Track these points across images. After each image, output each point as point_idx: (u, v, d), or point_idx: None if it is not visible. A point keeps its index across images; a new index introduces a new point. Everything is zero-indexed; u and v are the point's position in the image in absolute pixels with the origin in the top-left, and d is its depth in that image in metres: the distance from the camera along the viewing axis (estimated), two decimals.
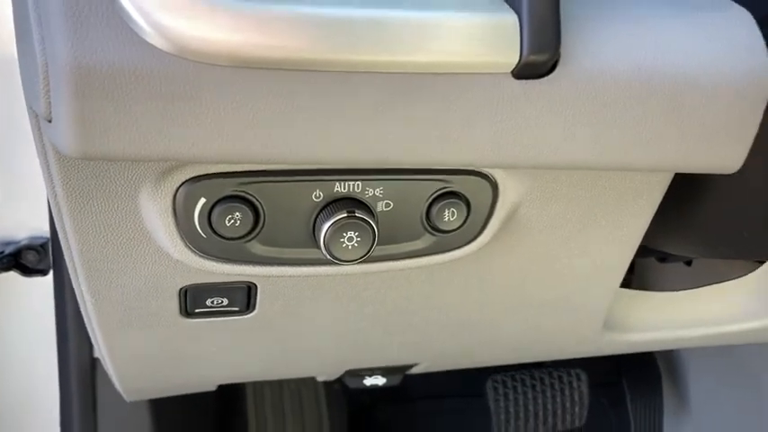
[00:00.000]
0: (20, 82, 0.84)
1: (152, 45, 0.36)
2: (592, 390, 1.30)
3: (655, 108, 0.43)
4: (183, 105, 0.38)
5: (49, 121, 0.39)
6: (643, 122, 0.43)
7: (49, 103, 0.38)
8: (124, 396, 0.76)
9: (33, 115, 0.43)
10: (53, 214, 0.50)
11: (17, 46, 0.44)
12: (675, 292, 0.80)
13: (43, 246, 0.85)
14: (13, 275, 0.86)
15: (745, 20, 0.44)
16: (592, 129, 0.43)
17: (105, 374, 0.82)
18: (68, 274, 0.82)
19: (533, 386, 1.27)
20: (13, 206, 0.86)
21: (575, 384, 1.27)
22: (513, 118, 0.42)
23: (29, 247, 0.85)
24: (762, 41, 0.44)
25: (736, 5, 0.46)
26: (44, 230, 0.86)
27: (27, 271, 0.86)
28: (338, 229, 0.47)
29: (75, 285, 0.57)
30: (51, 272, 0.86)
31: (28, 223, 0.86)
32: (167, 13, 0.35)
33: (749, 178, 0.49)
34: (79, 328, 0.84)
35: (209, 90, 0.38)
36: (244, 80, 0.38)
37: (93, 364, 0.86)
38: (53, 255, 0.85)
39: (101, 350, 0.64)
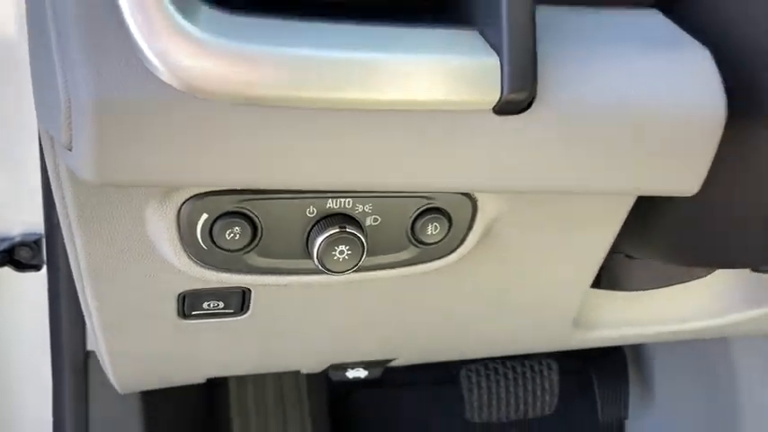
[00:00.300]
0: (13, 84, 0.86)
1: (166, 84, 0.39)
2: (561, 377, 1.35)
3: (621, 140, 0.47)
4: (193, 137, 0.42)
5: (69, 149, 0.42)
6: (611, 153, 0.48)
7: (70, 134, 0.41)
8: (117, 388, 0.79)
9: (47, 137, 0.46)
10: (62, 226, 0.53)
11: (32, 72, 0.47)
12: (641, 292, 0.85)
13: (36, 242, 0.88)
14: (6, 271, 0.89)
15: (703, 58, 0.49)
16: (564, 158, 0.47)
17: (97, 366, 0.85)
18: (62, 270, 0.85)
19: (506, 375, 1.32)
20: (7, 203, 0.88)
21: (545, 373, 1.32)
22: (492, 149, 0.46)
23: (22, 244, 0.88)
24: (718, 78, 0.48)
25: (697, 43, 0.50)
26: (37, 227, 0.89)
27: (21, 266, 0.89)
28: (330, 243, 0.51)
29: (78, 286, 0.61)
30: (45, 267, 0.89)
31: (21, 220, 0.88)
32: (179, 55, 0.38)
33: (704, 198, 0.53)
34: (72, 322, 0.87)
35: (216, 124, 0.42)
36: (247, 116, 0.42)
37: (86, 356, 0.90)
38: (47, 251, 0.88)
39: (99, 346, 0.68)
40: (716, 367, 1.23)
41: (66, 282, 0.86)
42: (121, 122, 0.40)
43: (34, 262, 0.89)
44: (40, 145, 0.84)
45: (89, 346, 0.89)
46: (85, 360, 0.89)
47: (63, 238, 0.85)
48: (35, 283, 0.89)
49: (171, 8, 0.38)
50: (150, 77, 0.39)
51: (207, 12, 0.39)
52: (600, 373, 1.43)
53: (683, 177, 0.50)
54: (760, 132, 0.50)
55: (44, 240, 0.87)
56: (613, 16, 0.51)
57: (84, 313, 0.64)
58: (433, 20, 0.45)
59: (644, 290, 0.85)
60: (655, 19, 0.52)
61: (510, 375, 1.34)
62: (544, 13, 0.46)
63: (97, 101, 0.39)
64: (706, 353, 1.24)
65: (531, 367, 1.32)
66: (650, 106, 0.47)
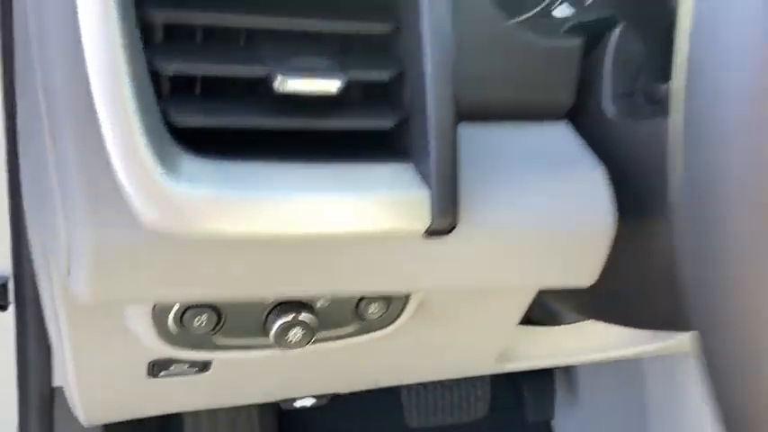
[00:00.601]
0: None
1: (150, 227, 0.46)
2: (492, 383, 1.47)
3: (525, 250, 0.57)
4: (176, 268, 0.49)
5: (67, 275, 0.49)
6: (517, 261, 0.57)
7: (68, 264, 0.48)
8: (83, 422, 0.86)
9: (44, 256, 0.53)
10: (47, 319, 0.60)
11: (26, 196, 0.54)
12: (562, 326, 0.96)
13: (3, 286, 0.94)
14: None
15: (597, 175, 0.58)
16: (481, 266, 0.56)
17: (63, 403, 0.92)
18: (29, 312, 0.91)
19: (441, 383, 1.43)
20: None
21: (477, 383, 1.43)
22: (419, 264, 0.55)
23: None
24: (608, 195, 0.57)
25: (593, 159, 0.59)
26: (3, 270, 0.94)
27: None
28: (285, 328, 0.59)
29: (52, 332, 0.67)
30: (12, 307, 0.95)
31: None
32: (161, 205, 0.45)
33: (600, 282, 0.63)
34: (39, 360, 0.94)
35: (191, 257, 0.49)
36: (217, 249, 0.50)
37: (52, 393, 0.96)
38: (15, 293, 0.93)
39: (70, 385, 0.75)
40: (629, 369, 1.35)
41: (33, 322, 0.92)
42: (115, 258, 0.47)
43: (0, 303, 0.94)
44: (9, 188, 0.89)
45: (55, 383, 0.96)
46: (51, 396, 0.95)
47: (30, 281, 0.91)
48: (1, 323, 0.95)
49: (153, 162, 0.45)
50: (136, 221, 0.46)
51: (186, 160, 0.46)
52: (529, 378, 1.55)
53: (578, 275, 0.60)
54: (646, 229, 0.60)
55: (12, 284, 0.93)
56: (524, 132, 0.60)
57: (55, 353, 0.71)
58: (376, 152, 0.53)
59: (565, 324, 0.96)
60: (562, 132, 0.61)
61: (446, 383, 1.45)
62: (460, 132, 0.54)
63: (96, 245, 0.46)
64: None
65: (466, 377, 1.44)
66: (549, 223, 0.56)
